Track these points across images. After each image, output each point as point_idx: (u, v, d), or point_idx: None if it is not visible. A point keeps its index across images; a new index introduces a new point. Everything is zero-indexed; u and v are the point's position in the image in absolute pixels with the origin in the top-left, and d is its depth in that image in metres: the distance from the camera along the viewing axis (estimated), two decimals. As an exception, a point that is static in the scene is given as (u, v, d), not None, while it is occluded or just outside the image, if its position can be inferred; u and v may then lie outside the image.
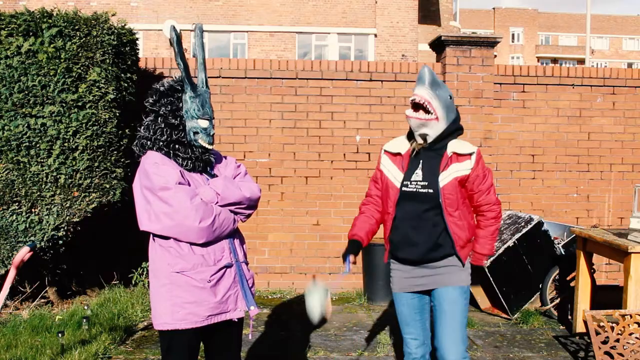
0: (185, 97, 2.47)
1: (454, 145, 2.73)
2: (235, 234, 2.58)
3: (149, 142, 2.48)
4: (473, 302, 5.15)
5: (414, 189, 2.73)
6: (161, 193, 2.34)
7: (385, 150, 2.91)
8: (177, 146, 2.46)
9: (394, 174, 2.81)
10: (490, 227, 2.82)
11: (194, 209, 2.34)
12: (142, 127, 2.52)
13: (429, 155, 2.75)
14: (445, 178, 2.70)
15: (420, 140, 2.77)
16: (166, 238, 2.43)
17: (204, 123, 2.47)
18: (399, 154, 2.83)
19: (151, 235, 2.50)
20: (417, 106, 2.70)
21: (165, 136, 2.44)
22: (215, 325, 2.52)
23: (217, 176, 2.57)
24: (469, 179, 2.72)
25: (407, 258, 2.80)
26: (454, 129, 2.77)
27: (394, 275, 2.90)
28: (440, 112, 2.69)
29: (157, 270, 2.48)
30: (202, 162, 2.52)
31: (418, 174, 2.74)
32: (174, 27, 2.50)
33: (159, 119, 2.46)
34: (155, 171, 2.39)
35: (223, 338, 2.61)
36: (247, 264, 2.65)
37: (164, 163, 2.43)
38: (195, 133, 2.46)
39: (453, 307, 2.76)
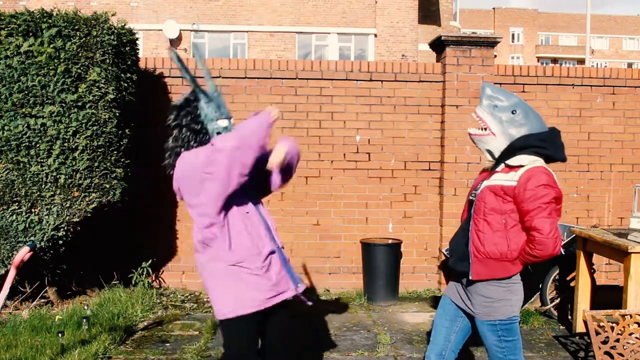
0: (201, 104, 2.70)
1: (514, 159, 2.61)
2: (269, 219, 2.80)
3: (182, 149, 2.68)
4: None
5: (471, 198, 2.77)
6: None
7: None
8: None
9: (473, 186, 2.85)
10: (530, 251, 2.56)
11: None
12: (171, 140, 2.73)
13: (494, 168, 2.72)
14: (483, 185, 2.68)
15: (488, 156, 2.75)
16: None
17: (224, 122, 2.71)
18: (486, 170, 2.81)
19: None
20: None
21: (193, 142, 2.67)
22: (270, 309, 2.74)
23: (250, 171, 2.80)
24: (514, 193, 2.56)
25: (449, 264, 2.84)
26: (528, 145, 2.60)
27: (449, 280, 2.94)
28: (496, 128, 2.65)
29: (212, 263, 2.70)
30: None
31: (482, 185, 2.73)
32: (171, 50, 2.82)
33: (183, 129, 2.68)
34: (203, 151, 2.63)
35: (275, 321, 2.83)
36: (283, 247, 2.86)
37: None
38: (218, 133, 2.68)
39: (485, 341, 2.72)
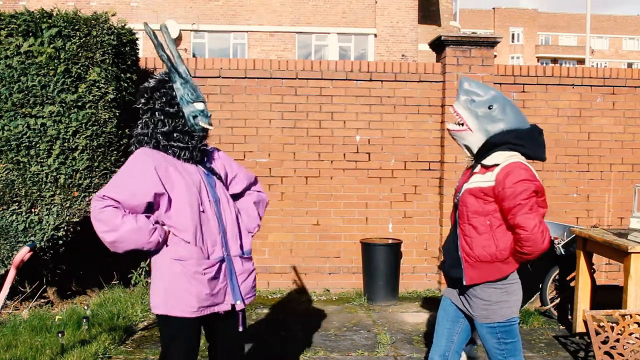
0: (177, 85, 2.53)
1: (489, 158, 2.58)
2: (229, 224, 2.59)
3: (145, 138, 2.52)
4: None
5: (456, 201, 2.73)
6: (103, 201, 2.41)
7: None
8: (176, 135, 2.50)
9: (456, 188, 2.81)
10: (519, 249, 2.52)
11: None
12: (140, 126, 2.56)
13: (475, 168, 2.68)
14: (463, 188, 2.65)
15: (467, 152, 2.72)
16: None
17: (200, 105, 2.54)
18: (469, 168, 2.77)
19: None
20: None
21: (167, 127, 2.49)
22: (212, 318, 2.56)
23: (213, 169, 2.63)
24: (493, 193, 2.54)
25: (444, 270, 2.80)
26: (505, 141, 2.57)
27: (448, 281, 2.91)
28: (473, 124, 2.61)
29: (157, 257, 2.52)
30: (200, 151, 2.57)
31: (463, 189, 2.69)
32: (146, 24, 2.61)
33: (156, 113, 2.51)
34: (125, 172, 2.45)
35: (219, 330, 2.65)
36: (245, 257, 2.65)
37: (143, 156, 2.45)
38: (195, 117, 2.52)
39: (485, 343, 2.70)
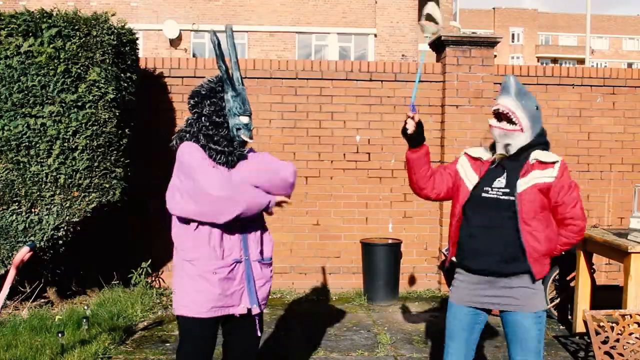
0: (227, 96, 2.60)
1: (537, 154, 2.62)
2: (252, 229, 2.65)
3: (187, 135, 2.60)
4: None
5: (496, 196, 2.63)
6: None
7: (465, 153, 2.84)
8: (217, 139, 2.57)
9: (469, 176, 2.74)
10: (568, 240, 2.67)
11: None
12: (186, 124, 2.64)
13: (512, 164, 2.65)
14: (524, 184, 2.60)
15: (501, 151, 2.67)
16: (186, 223, 2.57)
17: (245, 119, 2.61)
18: (479, 159, 2.75)
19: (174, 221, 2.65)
20: (500, 116, 2.64)
21: (210, 132, 2.57)
22: (227, 319, 2.63)
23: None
24: (553, 189, 2.58)
25: (479, 269, 2.66)
26: (539, 142, 2.66)
27: (456, 285, 2.76)
28: (525, 123, 2.61)
29: (175, 257, 2.64)
30: (236, 157, 2.61)
31: (501, 181, 2.63)
32: (214, 32, 2.64)
33: (203, 118, 2.59)
34: (199, 168, 2.50)
35: (235, 333, 2.71)
36: (265, 263, 2.71)
37: (197, 150, 2.55)
38: (238, 129, 2.60)
39: (525, 335, 2.65)
